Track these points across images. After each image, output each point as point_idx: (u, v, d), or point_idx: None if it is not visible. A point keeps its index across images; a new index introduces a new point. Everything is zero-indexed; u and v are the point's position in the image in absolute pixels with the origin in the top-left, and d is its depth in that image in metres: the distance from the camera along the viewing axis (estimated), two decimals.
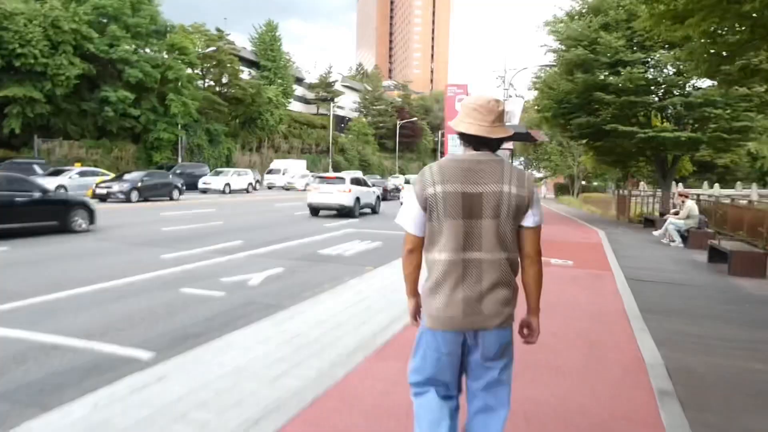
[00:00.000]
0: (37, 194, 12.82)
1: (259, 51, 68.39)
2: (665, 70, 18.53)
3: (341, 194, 20.17)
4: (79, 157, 35.15)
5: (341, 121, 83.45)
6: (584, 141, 23.92)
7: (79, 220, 13.77)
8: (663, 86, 18.51)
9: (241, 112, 53.95)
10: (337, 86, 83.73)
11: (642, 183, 34.51)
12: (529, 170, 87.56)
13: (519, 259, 2.33)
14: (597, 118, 19.49)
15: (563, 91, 19.96)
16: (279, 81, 68.43)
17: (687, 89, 18.67)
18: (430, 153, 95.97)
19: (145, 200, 25.52)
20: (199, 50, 49.93)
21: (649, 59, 18.22)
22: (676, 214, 14.94)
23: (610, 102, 18.46)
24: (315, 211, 20.92)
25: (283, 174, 44.01)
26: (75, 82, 33.70)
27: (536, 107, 22.20)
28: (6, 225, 12.06)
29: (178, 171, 34.46)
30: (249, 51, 69.01)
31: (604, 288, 8.46)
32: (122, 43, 36.68)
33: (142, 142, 40.75)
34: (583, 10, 19.69)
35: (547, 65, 21.12)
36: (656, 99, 18.73)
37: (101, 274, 8.70)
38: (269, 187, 43.50)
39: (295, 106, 75.52)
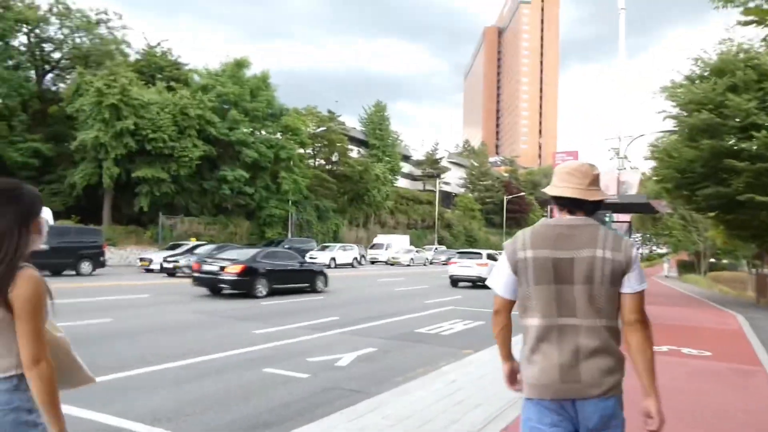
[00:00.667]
0: (298, 264, 18.52)
1: (368, 130, 71.07)
2: None
3: (478, 267, 22.95)
4: (197, 232, 37.26)
5: (447, 197, 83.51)
6: (713, 214, 21.63)
7: (320, 284, 18.73)
8: None
9: (349, 189, 55.48)
10: (444, 162, 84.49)
11: None
12: (650, 244, 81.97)
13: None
14: (728, 187, 17.51)
15: (686, 159, 18.23)
16: (387, 159, 70.41)
17: None
18: None
19: None
20: (310, 131, 52.62)
21: None
22: None
23: (743, 170, 16.55)
24: (455, 282, 23.69)
25: (386, 249, 43.94)
26: (197, 163, 36.27)
27: (655, 178, 20.44)
28: (286, 285, 17.50)
29: (286, 246, 35.39)
30: (359, 131, 71.92)
31: (760, 389, 6.90)
32: (241, 126, 39.33)
33: (255, 218, 42.68)
34: (705, 73, 18.20)
35: (666, 131, 19.55)
36: None
37: (190, 349, 8.47)
38: (372, 262, 43.52)
39: (401, 183, 76.80)
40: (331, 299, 16.93)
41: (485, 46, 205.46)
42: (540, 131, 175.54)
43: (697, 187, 18.55)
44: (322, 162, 56.18)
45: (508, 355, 2.47)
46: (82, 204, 35.97)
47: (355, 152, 62.37)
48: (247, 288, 16.15)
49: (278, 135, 44.08)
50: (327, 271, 20.59)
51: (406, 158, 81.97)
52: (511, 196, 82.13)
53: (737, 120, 16.43)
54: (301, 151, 50.04)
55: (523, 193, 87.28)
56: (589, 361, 2.12)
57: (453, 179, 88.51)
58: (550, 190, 2.27)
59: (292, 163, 43.38)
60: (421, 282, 25.41)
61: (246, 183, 39.85)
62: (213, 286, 16.52)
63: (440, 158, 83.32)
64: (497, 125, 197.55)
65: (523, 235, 2.26)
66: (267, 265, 16.89)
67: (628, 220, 15.12)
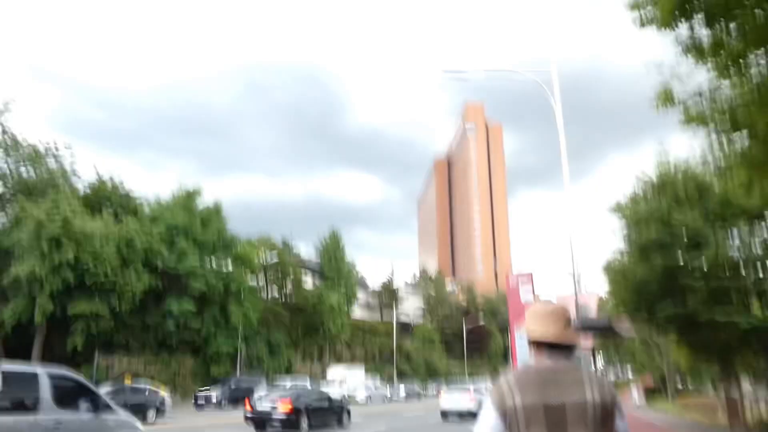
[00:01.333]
0: (326, 403, 20.33)
1: (324, 260, 70.46)
2: (753, 246, 16.45)
3: (467, 401, 23.71)
4: (136, 372, 34.44)
5: (405, 328, 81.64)
6: (674, 335, 21.11)
7: (345, 419, 20.82)
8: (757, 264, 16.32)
9: (303, 321, 53.58)
10: (400, 293, 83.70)
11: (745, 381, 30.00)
12: (613, 370, 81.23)
13: None
14: (686, 307, 17.14)
15: (641, 279, 17.99)
16: (343, 289, 69.26)
17: None
18: (500, 357, 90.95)
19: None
20: (263, 261, 51.62)
21: (731, 237, 16.36)
22: None
23: (698, 289, 16.28)
24: (445, 415, 24.61)
25: (340, 385, 41.31)
26: (140, 297, 34.44)
27: (613, 301, 20.07)
28: (319, 421, 19.06)
29: (232, 386, 32.90)
30: (314, 262, 71.20)
31: None
32: (189, 256, 38.13)
33: (201, 355, 40.10)
34: (648, 195, 18.56)
35: (619, 252, 19.43)
36: (752, 281, 16.40)
37: None
38: None
39: (358, 313, 75.11)
40: None
41: (436, 177, 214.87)
42: (495, 256, 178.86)
43: (655, 307, 18.13)
44: (275, 295, 54.63)
45: None
46: (10, 343, 33.16)
47: (309, 283, 61.24)
48: (294, 426, 17.89)
49: (229, 266, 42.92)
50: None
51: (363, 286, 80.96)
52: (470, 327, 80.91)
53: (686, 237, 16.45)
54: (253, 283, 48.73)
55: (482, 324, 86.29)
56: None
57: (410, 309, 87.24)
58: (531, 333, 2.31)
59: (242, 295, 41.82)
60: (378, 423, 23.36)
61: (192, 316, 37.87)
62: (263, 424, 18.04)
63: (397, 289, 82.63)
64: (452, 251, 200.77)
65: (506, 381, 2.24)
66: (308, 403, 19.07)
67: (590, 346, 14.38)
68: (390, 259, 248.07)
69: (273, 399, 18.48)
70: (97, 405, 8.15)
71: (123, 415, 8.85)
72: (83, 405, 7.94)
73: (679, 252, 16.98)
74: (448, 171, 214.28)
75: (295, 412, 17.81)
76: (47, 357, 33.66)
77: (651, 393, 42.72)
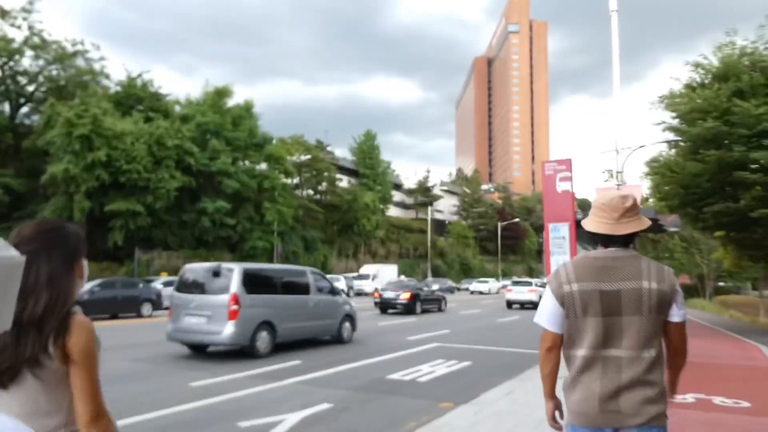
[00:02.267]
0: (431, 294, 26.59)
1: (357, 159, 70.02)
2: None
3: (530, 293, 28.82)
4: (176, 267, 35.43)
5: (440, 226, 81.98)
6: (721, 233, 20.04)
7: (443, 305, 26.58)
8: None
9: (338, 219, 53.94)
10: (436, 191, 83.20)
11: None
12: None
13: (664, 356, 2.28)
14: (738, 203, 15.96)
15: (690, 174, 16.72)
16: (378, 188, 69.17)
17: None
18: (534, 255, 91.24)
19: None
20: (298, 160, 51.30)
21: None
22: None
23: (754, 182, 15.02)
24: (510, 305, 29.42)
25: (373, 280, 41.94)
26: (175, 195, 34.68)
27: (657, 196, 18.88)
28: (430, 306, 25.69)
29: None
30: (349, 161, 70.83)
31: None
32: (221, 156, 37.88)
33: (238, 251, 40.93)
34: (706, 81, 16.81)
35: (668, 141, 17.99)
36: None
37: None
38: (358, 294, 41.58)
39: (393, 212, 75.48)
40: None
41: (475, 76, 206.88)
42: (533, 158, 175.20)
43: (704, 204, 16.98)
44: (310, 192, 54.76)
45: (552, 394, 2.45)
46: None
47: (345, 182, 61.13)
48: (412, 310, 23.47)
49: (262, 165, 42.69)
50: None
51: (398, 187, 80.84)
52: (505, 223, 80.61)
53: (746, 128, 14.94)
54: (287, 180, 48.68)
55: (517, 220, 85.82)
56: (630, 392, 2.20)
57: (446, 207, 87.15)
58: (586, 225, 2.39)
59: (276, 193, 41.83)
60: (408, 315, 23.64)
61: (227, 214, 38.23)
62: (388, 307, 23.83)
63: (432, 186, 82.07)
64: (489, 153, 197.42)
65: (565, 269, 2.35)
66: (421, 294, 24.65)
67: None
68: (428, 163, 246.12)
69: (395, 289, 24.30)
70: (333, 291, 14.15)
71: (345, 298, 14.74)
72: (326, 290, 13.85)
73: (738, 146, 15.52)
74: (488, 71, 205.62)
75: (413, 299, 23.57)
76: (90, 253, 34.77)
77: (687, 292, 42.10)
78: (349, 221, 54.81)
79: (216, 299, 11.03)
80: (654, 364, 2.22)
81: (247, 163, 41.30)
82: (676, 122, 17.41)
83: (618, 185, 14.45)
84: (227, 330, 10.74)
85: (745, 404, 7.12)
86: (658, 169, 18.45)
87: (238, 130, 40.05)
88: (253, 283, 11.46)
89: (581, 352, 2.26)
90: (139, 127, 33.86)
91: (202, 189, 38.50)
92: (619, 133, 14.71)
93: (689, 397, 7.30)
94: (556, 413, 2.45)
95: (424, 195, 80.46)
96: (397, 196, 79.62)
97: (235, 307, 10.86)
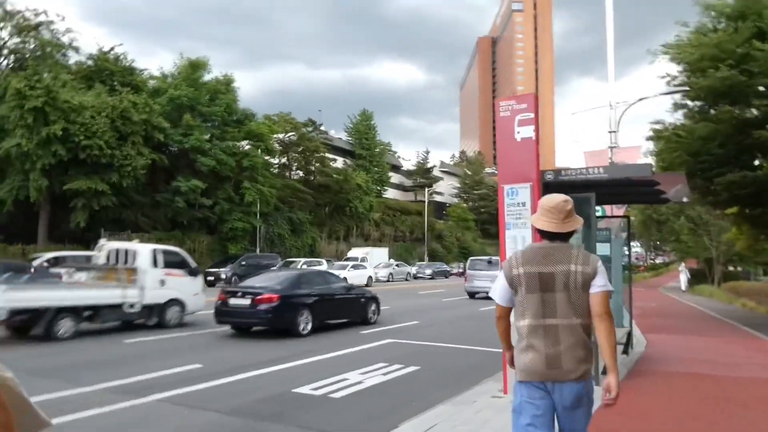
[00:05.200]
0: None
1: (354, 140, 67.61)
2: None
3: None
4: None
5: (440, 208, 79.29)
6: (734, 209, 17.40)
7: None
8: None
9: (328, 200, 51.42)
10: (436, 172, 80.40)
11: None
12: (652, 253, 79.30)
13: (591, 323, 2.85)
14: (756, 171, 13.35)
15: (700, 138, 14.09)
16: (375, 169, 66.68)
17: None
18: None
19: None
20: (286, 139, 48.72)
21: None
22: None
23: None
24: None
25: (361, 263, 39.44)
26: (142, 173, 32.27)
27: (660, 165, 16.20)
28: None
29: (243, 263, 31.22)
30: (345, 141, 68.37)
31: None
32: (196, 131, 35.36)
33: (217, 233, 38.60)
34: (720, 25, 14.08)
35: (671, 92, 15.16)
36: None
37: None
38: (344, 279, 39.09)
39: (391, 194, 72.99)
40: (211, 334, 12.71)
41: (479, 57, 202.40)
42: (538, 142, 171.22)
43: (715, 174, 14.35)
44: (300, 172, 52.20)
45: (509, 346, 3.16)
46: (16, 222, 32.02)
47: (340, 162, 58.65)
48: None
49: (243, 142, 40.15)
50: None
51: (396, 168, 78.24)
52: None
53: None
54: (273, 160, 46.23)
55: None
56: (568, 352, 2.77)
57: (446, 189, 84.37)
58: (535, 223, 2.99)
59: (257, 172, 39.31)
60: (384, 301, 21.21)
61: (204, 194, 35.82)
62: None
63: (432, 167, 79.26)
64: (494, 136, 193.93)
65: (515, 255, 2.98)
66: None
67: (623, 214, 11.04)
68: (433, 147, 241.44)
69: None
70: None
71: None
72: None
73: (758, 101, 12.84)
74: (491, 51, 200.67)
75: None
76: (55, 236, 32.55)
77: (694, 276, 39.30)
78: (340, 202, 52.29)
79: None
80: (584, 330, 2.83)
81: (227, 141, 38.70)
82: (683, 77, 14.70)
83: (611, 147, 11.91)
84: None
85: None
86: (662, 134, 15.76)
87: (215, 105, 37.50)
88: None
89: (527, 322, 2.86)
90: (102, 100, 31.28)
91: (177, 167, 36.08)
92: (613, 86, 11.93)
93: None
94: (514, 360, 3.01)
95: (423, 177, 77.68)
96: (396, 178, 77.08)
97: None
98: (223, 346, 11.11)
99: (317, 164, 51.64)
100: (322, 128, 61.70)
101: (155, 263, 13.21)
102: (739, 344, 11.78)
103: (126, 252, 13.37)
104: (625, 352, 9.17)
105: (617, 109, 12.43)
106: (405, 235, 63.43)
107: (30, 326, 11.05)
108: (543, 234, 2.92)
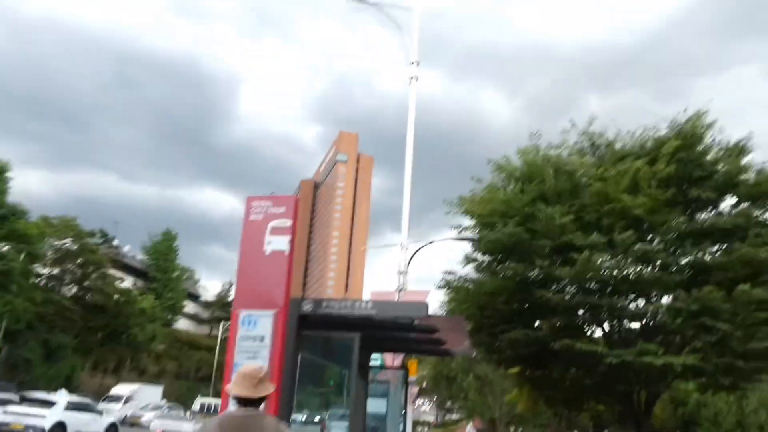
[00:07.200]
0: None
1: (151, 260, 61.94)
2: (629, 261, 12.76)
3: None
4: None
5: None
6: (516, 369, 17.22)
7: None
8: (636, 286, 12.62)
9: (102, 324, 44.46)
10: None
11: None
12: (442, 411, 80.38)
13: None
14: (537, 331, 13.14)
15: (486, 292, 13.79)
16: (169, 294, 61.01)
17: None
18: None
19: None
20: (63, 246, 42.36)
21: (609, 245, 12.60)
22: None
23: (557, 304, 12.32)
24: None
25: (125, 403, 33.41)
26: None
27: (450, 314, 15.64)
28: None
29: None
30: (139, 261, 62.46)
31: None
32: None
33: None
34: (509, 187, 14.55)
35: (460, 238, 14.95)
36: (628, 303, 12.71)
37: None
38: None
39: (185, 324, 66.80)
40: None
41: (301, 198, 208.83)
42: (346, 286, 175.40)
43: (500, 330, 13.95)
44: (74, 288, 45.06)
45: None
46: None
47: (129, 282, 52.43)
48: None
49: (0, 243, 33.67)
50: None
51: (194, 297, 72.55)
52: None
53: (549, 239, 12.42)
54: (43, 269, 39.59)
55: None
56: None
57: None
58: (230, 390, 3.22)
59: (11, 279, 32.71)
60: None
61: None
62: None
63: (232, 300, 74.84)
64: (305, 274, 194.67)
65: (211, 423, 3.18)
66: None
67: (400, 365, 9.72)
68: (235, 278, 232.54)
69: None
70: None
71: None
72: None
73: (541, 259, 12.91)
74: (313, 195, 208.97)
75: None
76: None
77: None
78: (117, 328, 45.52)
79: None
80: None
81: None
82: (475, 229, 14.70)
83: (399, 289, 10.87)
84: None
85: None
86: (453, 284, 15.36)
87: None
88: None
89: None
90: None
91: None
92: (406, 226, 11.15)
93: None
94: None
95: (222, 310, 72.60)
96: (192, 307, 71.16)
97: None
98: None
99: (98, 281, 45.19)
100: (115, 242, 55.77)
101: None
102: None
103: None
104: None
105: (408, 249, 11.70)
106: (189, 373, 56.95)
107: None
108: (238, 400, 3.21)
